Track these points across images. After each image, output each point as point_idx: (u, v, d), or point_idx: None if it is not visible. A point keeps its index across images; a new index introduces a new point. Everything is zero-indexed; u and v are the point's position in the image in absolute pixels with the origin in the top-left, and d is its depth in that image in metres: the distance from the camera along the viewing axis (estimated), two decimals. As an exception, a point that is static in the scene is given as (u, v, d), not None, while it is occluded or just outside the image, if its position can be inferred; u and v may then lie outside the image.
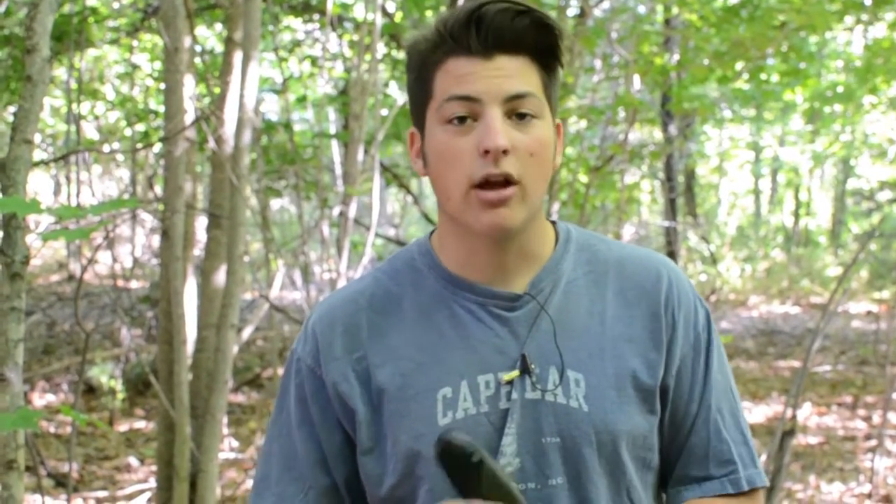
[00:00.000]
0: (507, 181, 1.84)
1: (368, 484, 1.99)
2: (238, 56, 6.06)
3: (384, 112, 8.62)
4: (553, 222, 2.08)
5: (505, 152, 1.82)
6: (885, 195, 23.53)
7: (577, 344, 1.94)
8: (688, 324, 2.01)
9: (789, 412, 5.22)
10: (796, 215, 27.71)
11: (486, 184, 1.84)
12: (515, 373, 1.91)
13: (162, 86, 11.65)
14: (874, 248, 20.64)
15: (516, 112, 1.85)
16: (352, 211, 7.84)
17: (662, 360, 1.97)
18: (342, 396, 1.97)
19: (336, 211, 8.14)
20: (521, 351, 1.92)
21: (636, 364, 1.95)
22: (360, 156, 7.71)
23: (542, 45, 1.86)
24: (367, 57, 8.02)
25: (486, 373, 1.92)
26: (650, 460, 1.98)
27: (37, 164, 3.00)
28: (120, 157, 13.52)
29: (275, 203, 15.20)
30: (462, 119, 1.85)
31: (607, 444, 1.91)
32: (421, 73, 1.91)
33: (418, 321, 1.98)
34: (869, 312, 17.52)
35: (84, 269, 4.36)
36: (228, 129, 6.29)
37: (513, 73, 1.84)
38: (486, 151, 1.82)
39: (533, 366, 1.91)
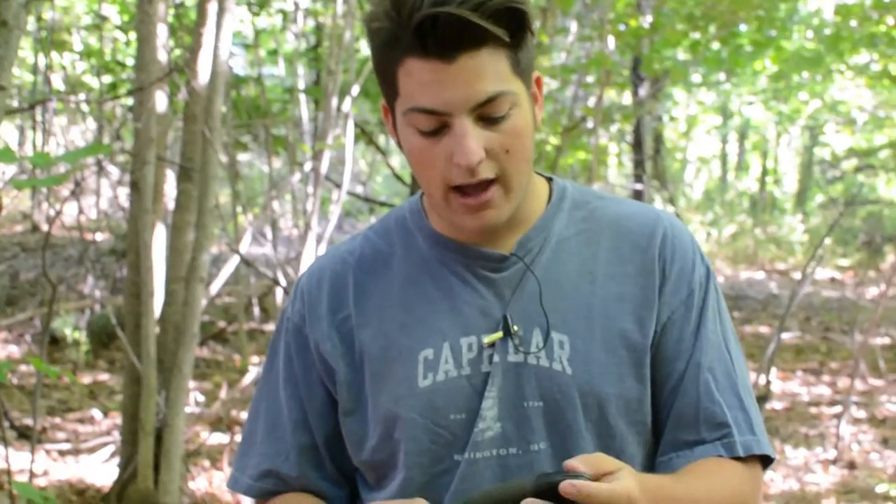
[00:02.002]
0: (486, 183, 1.80)
1: (351, 447, 1.96)
2: (213, 7, 5.99)
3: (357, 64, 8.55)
4: (550, 178, 2.03)
5: (480, 161, 1.77)
6: (850, 163, 23.61)
7: (565, 305, 1.90)
8: (681, 278, 1.94)
9: (763, 378, 5.22)
10: (763, 181, 27.78)
11: (465, 190, 1.80)
12: (497, 335, 1.87)
13: (132, 36, 11.58)
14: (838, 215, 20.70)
15: (487, 116, 1.76)
16: (323, 167, 7.79)
17: (654, 316, 1.91)
18: (324, 356, 1.95)
19: (307, 167, 8.08)
20: (505, 312, 1.89)
21: (627, 323, 1.90)
22: (334, 110, 7.65)
23: (506, 31, 1.74)
24: (341, 8, 7.95)
25: (468, 335, 1.89)
26: (643, 423, 1.92)
27: (9, 113, 2.93)
28: (86, 108, 13.36)
29: (242, 157, 15.11)
30: (431, 132, 1.78)
31: (593, 408, 1.87)
32: (382, 64, 1.80)
33: (405, 282, 1.95)
34: (833, 279, 17.59)
35: (52, 221, 4.31)
36: (202, 81, 6.22)
37: (479, 73, 1.74)
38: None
39: (516, 328, 1.87)
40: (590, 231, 1.97)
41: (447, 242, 1.94)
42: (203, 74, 6.22)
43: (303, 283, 2.02)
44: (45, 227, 13.42)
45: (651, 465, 1.96)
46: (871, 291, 14.13)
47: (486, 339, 1.87)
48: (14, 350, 10.35)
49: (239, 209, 10.01)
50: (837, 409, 9.23)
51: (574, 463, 1.61)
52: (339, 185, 8.24)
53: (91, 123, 14.24)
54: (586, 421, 1.87)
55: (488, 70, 1.74)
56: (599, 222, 1.98)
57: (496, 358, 1.87)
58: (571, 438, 1.86)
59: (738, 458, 1.91)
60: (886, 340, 12.26)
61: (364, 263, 1.99)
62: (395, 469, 1.89)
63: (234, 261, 7.81)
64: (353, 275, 1.98)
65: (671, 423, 1.93)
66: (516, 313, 1.88)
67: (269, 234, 10.45)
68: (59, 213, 5.17)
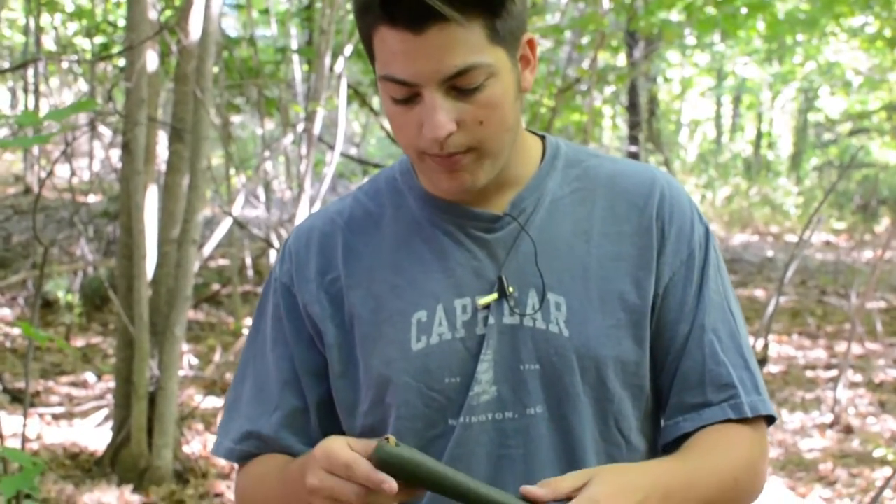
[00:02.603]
0: (458, 153, 1.75)
1: (342, 411, 1.92)
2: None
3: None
4: (542, 137, 1.98)
5: (449, 134, 1.72)
6: (845, 126, 23.57)
7: (561, 265, 1.85)
8: (680, 239, 1.89)
9: (760, 342, 5.19)
10: (757, 144, 27.75)
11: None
12: (492, 296, 1.83)
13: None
14: (833, 178, 20.70)
15: (459, 88, 1.71)
16: (316, 128, 7.73)
17: (652, 277, 1.86)
18: (313, 318, 1.90)
19: (299, 128, 8.02)
20: (499, 273, 1.84)
21: (624, 284, 1.85)
22: (327, 71, 7.58)
23: (475, 6, 1.67)
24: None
25: (462, 297, 1.84)
26: (642, 387, 1.88)
27: (-3, 70, 2.86)
28: (78, 69, 13.30)
29: (235, 120, 15.04)
30: (404, 100, 1.73)
31: (591, 371, 1.82)
32: (360, 28, 1.76)
33: (396, 243, 1.90)
34: (828, 243, 17.58)
35: (42, 182, 4.25)
36: (193, 40, 6.15)
37: (449, 46, 1.67)
38: None
39: (511, 289, 1.83)
40: (584, 190, 1.92)
41: (438, 202, 1.89)
42: (194, 34, 6.16)
43: (290, 244, 1.97)
44: (37, 189, 13.34)
45: (650, 429, 1.92)
46: (867, 255, 14.12)
47: (481, 301, 1.83)
48: (7, 313, 10.31)
49: (232, 171, 9.96)
50: (834, 372, 9.22)
51: (530, 489, 1.61)
52: (332, 147, 8.19)
53: (83, 85, 14.17)
54: (584, 384, 1.82)
55: (459, 42, 1.67)
56: (594, 181, 1.93)
57: (491, 320, 1.82)
58: (568, 402, 1.82)
59: (743, 420, 1.87)
60: (882, 304, 12.25)
61: (353, 224, 1.94)
62: (384, 430, 1.84)
63: (227, 223, 7.74)
64: (342, 235, 1.93)
65: (676, 386, 1.89)
66: (511, 274, 1.84)
67: (263, 196, 10.41)
68: (49, 174, 5.10)
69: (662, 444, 1.93)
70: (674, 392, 1.89)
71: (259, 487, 1.93)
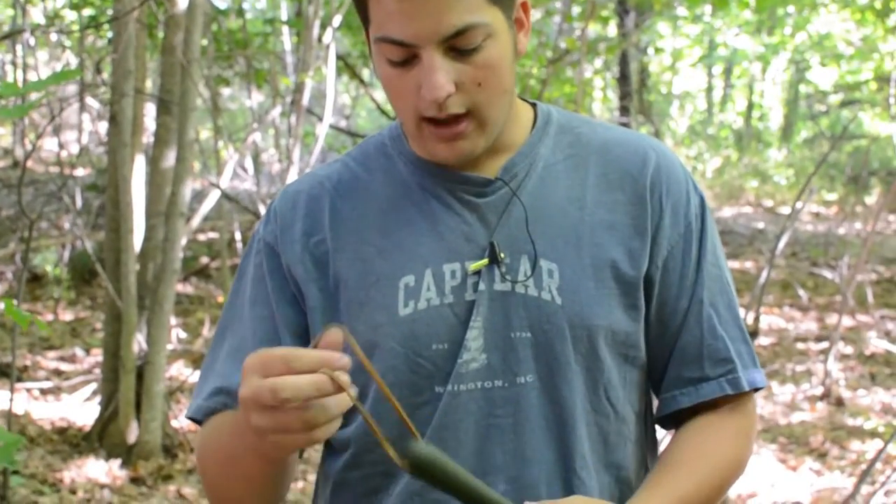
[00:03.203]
0: (458, 117, 1.72)
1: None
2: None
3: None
4: (534, 104, 1.95)
5: (448, 95, 1.68)
6: (836, 98, 23.54)
7: (553, 231, 1.82)
8: (677, 210, 1.86)
9: (751, 315, 5.16)
10: (748, 115, 27.72)
11: (436, 121, 1.72)
12: (483, 262, 1.79)
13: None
14: (824, 150, 20.68)
15: (457, 48, 1.68)
16: (305, 100, 7.68)
17: (646, 249, 1.83)
18: (296, 279, 1.85)
19: (288, 100, 7.97)
20: (491, 239, 1.80)
21: (617, 253, 1.82)
22: (315, 42, 7.53)
23: None
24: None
25: (452, 261, 1.80)
26: (634, 358, 1.85)
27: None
28: (66, 41, 13.21)
29: (225, 92, 14.96)
30: (401, 62, 1.70)
31: (583, 340, 1.79)
32: None
33: (384, 207, 1.86)
34: (818, 214, 17.56)
35: (28, 155, 4.21)
36: (180, 11, 6.10)
37: (448, 4, 1.64)
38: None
39: (503, 255, 1.79)
40: (577, 156, 1.88)
41: (428, 167, 1.85)
42: (181, 4, 6.11)
43: (276, 205, 1.93)
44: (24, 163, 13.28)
45: (638, 401, 1.89)
46: (857, 226, 14.11)
47: (472, 266, 1.79)
48: (-5, 287, 10.27)
49: (220, 144, 9.90)
50: (824, 345, 9.21)
51: None
52: (321, 119, 8.13)
53: (72, 59, 14.09)
54: (575, 353, 1.79)
55: (457, 1, 1.65)
56: (587, 147, 1.90)
57: (482, 286, 1.78)
58: (559, 371, 1.78)
59: (735, 396, 1.87)
60: (873, 276, 12.24)
61: (342, 188, 1.89)
62: (364, 400, 1.80)
63: (215, 195, 7.70)
64: (329, 198, 1.89)
65: (674, 360, 1.87)
66: (502, 240, 1.80)
67: (251, 169, 10.36)
68: (34, 146, 5.05)
69: (658, 417, 1.92)
70: (671, 366, 1.87)
71: (213, 435, 1.84)
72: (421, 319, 1.78)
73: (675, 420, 1.89)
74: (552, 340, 1.78)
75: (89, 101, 11.49)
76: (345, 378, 1.46)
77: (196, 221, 7.23)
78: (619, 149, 1.89)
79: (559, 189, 1.85)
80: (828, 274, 10.89)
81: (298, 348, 1.51)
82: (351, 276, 1.82)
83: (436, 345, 1.78)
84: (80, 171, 12.48)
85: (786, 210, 18.68)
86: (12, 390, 5.67)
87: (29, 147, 12.74)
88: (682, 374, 1.87)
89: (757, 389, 1.90)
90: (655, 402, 1.95)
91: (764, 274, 5.55)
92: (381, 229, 1.84)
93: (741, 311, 1.96)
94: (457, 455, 1.75)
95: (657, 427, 1.97)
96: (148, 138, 7.56)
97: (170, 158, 6.32)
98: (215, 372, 1.89)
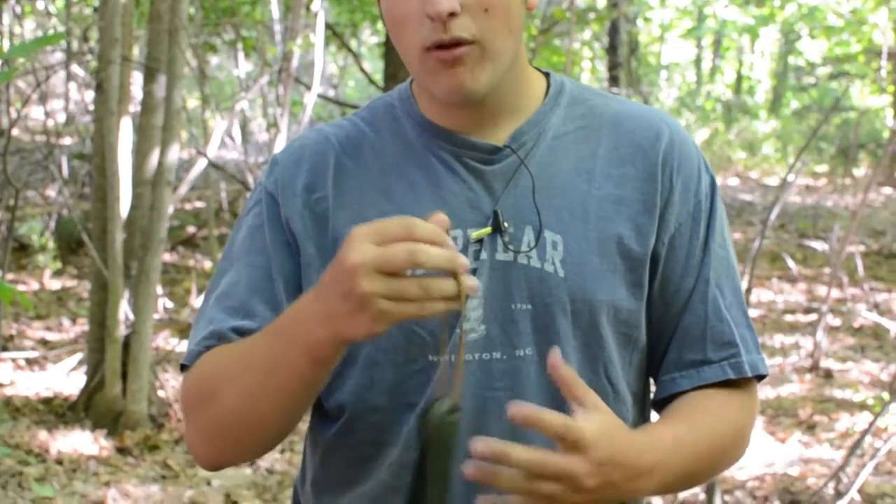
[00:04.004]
0: (459, 43, 1.66)
1: None
2: None
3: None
4: (547, 73, 1.90)
5: (453, 14, 1.64)
6: (825, 70, 23.52)
7: (559, 203, 1.77)
8: (687, 189, 1.82)
9: (743, 285, 5.12)
10: (737, 87, 27.71)
11: (440, 46, 1.67)
12: (486, 230, 1.74)
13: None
14: (812, 122, 20.67)
15: None
16: (293, 68, 7.63)
17: (654, 226, 1.79)
18: (294, 233, 1.81)
19: (276, 69, 7.91)
20: (495, 207, 1.76)
21: (624, 228, 1.78)
22: (303, 9, 7.48)
23: None
24: None
25: (454, 228, 1.73)
26: (636, 338, 1.81)
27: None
28: (53, 9, 13.15)
29: (213, 61, 14.89)
30: None
31: (584, 315, 1.75)
32: None
33: (389, 169, 1.82)
34: (807, 186, 17.56)
35: (13, 123, 4.16)
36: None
37: None
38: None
39: (506, 224, 1.74)
40: (588, 128, 1.84)
41: (436, 129, 1.81)
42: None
43: (280, 157, 1.88)
44: (12, 132, 13.22)
45: (637, 382, 1.86)
46: (846, 199, 14.11)
47: (474, 234, 1.75)
48: (-20, 256, 10.20)
49: (208, 113, 9.85)
50: (813, 317, 9.21)
51: (561, 369, 1.54)
52: (309, 88, 8.08)
53: (59, 26, 14.00)
54: (575, 329, 1.75)
55: None
56: (599, 120, 1.85)
57: (483, 255, 1.74)
58: (559, 346, 1.72)
59: (737, 382, 1.82)
60: (862, 248, 12.24)
61: (347, 146, 1.85)
62: (353, 366, 1.76)
63: (202, 164, 7.65)
64: (334, 155, 1.84)
65: (676, 341, 1.83)
66: (507, 209, 1.76)
67: (239, 138, 10.31)
68: (19, 114, 5.00)
69: (655, 400, 1.87)
70: (673, 347, 1.83)
71: (227, 365, 1.73)
72: None
73: (670, 404, 1.83)
74: (553, 314, 1.74)
75: (76, 69, 11.42)
76: (467, 260, 1.47)
77: (183, 190, 7.18)
78: (632, 122, 1.85)
79: (568, 160, 1.81)
80: (817, 246, 10.90)
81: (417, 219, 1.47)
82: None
83: None
84: (67, 140, 12.43)
85: (774, 182, 18.69)
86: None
87: (14, 116, 12.70)
88: (683, 355, 1.82)
89: (760, 378, 1.85)
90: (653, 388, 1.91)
91: (755, 245, 5.52)
92: (383, 191, 1.80)
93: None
94: None
95: (653, 412, 1.93)
96: (135, 106, 7.51)
97: (156, 126, 6.27)
98: (207, 318, 1.81)
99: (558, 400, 1.73)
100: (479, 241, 1.75)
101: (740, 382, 1.82)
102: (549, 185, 1.78)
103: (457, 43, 1.66)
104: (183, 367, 1.83)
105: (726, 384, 1.81)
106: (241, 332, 1.75)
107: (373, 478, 1.79)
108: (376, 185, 1.80)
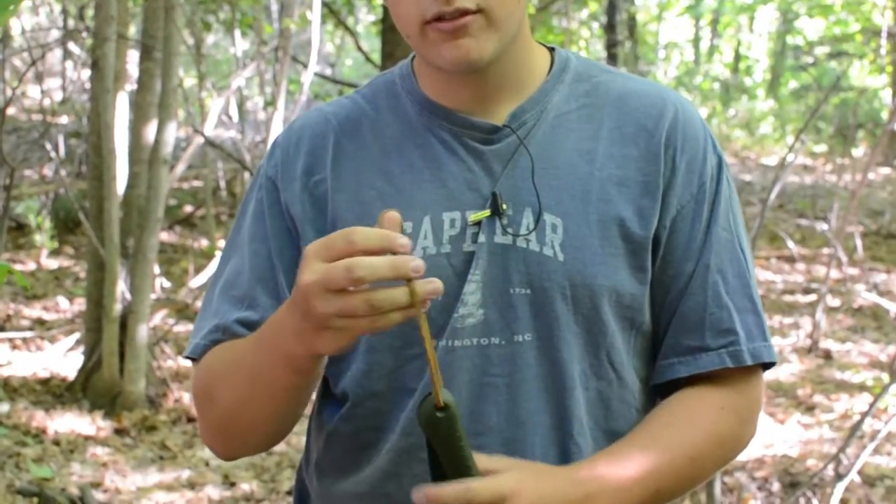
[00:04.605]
0: (463, 13, 1.62)
1: None
2: None
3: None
4: (552, 49, 1.86)
5: None
6: (823, 50, 23.47)
7: (560, 185, 1.73)
8: (692, 169, 1.77)
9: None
10: (735, 67, 27.65)
11: (441, 18, 1.62)
12: (485, 213, 1.70)
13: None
14: (810, 102, 20.62)
15: None
16: (290, 47, 7.59)
17: (656, 208, 1.74)
18: (293, 218, 1.78)
19: (273, 45, 7.88)
20: (494, 189, 1.72)
21: (626, 211, 1.73)
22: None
23: None
24: None
25: (452, 210, 1.72)
26: (640, 323, 1.77)
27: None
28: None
29: (210, 40, 14.85)
30: None
31: (584, 300, 1.71)
32: None
33: (388, 148, 1.78)
34: (806, 166, 17.52)
35: (8, 102, 4.12)
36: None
37: None
38: None
39: (505, 206, 1.71)
40: (592, 107, 1.80)
41: (436, 108, 1.77)
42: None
43: (280, 140, 1.86)
44: (8, 110, 13.21)
45: (643, 368, 1.81)
46: (845, 179, 14.08)
47: (472, 217, 1.71)
48: (-24, 235, 10.17)
49: (205, 92, 9.81)
50: (812, 297, 9.18)
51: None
52: (306, 66, 8.05)
53: (56, 7, 13.98)
54: (576, 314, 1.71)
55: None
56: (603, 98, 1.81)
57: (482, 238, 1.71)
58: (558, 331, 1.71)
59: (737, 371, 1.77)
60: (861, 228, 12.21)
61: (347, 126, 1.82)
62: (355, 352, 1.74)
63: (198, 142, 7.62)
64: (333, 136, 1.81)
65: (675, 325, 1.78)
66: (506, 190, 1.72)
67: (236, 117, 10.28)
68: (14, 92, 4.97)
69: (654, 385, 1.82)
70: (671, 332, 1.78)
71: (223, 365, 1.76)
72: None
73: (672, 389, 1.79)
74: (552, 298, 1.70)
75: (73, 47, 11.38)
76: (418, 262, 1.42)
77: (180, 169, 7.16)
78: (637, 101, 1.80)
79: (570, 140, 1.76)
80: (816, 226, 10.88)
81: (362, 227, 1.43)
82: (349, 218, 1.74)
83: None
84: (64, 119, 12.39)
85: (772, 161, 18.65)
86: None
87: (10, 94, 12.65)
88: (681, 341, 1.77)
89: (766, 366, 1.80)
90: None
91: (755, 226, 5.49)
92: (382, 171, 1.77)
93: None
94: None
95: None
96: (132, 85, 7.47)
97: (153, 105, 6.24)
98: (212, 310, 1.82)
99: (557, 386, 1.71)
100: (478, 223, 1.71)
101: (740, 371, 1.77)
102: (550, 166, 1.74)
103: (460, 13, 1.62)
104: (191, 359, 1.83)
105: (725, 374, 1.77)
106: (245, 324, 1.75)
107: (372, 464, 1.76)
108: (375, 166, 1.77)
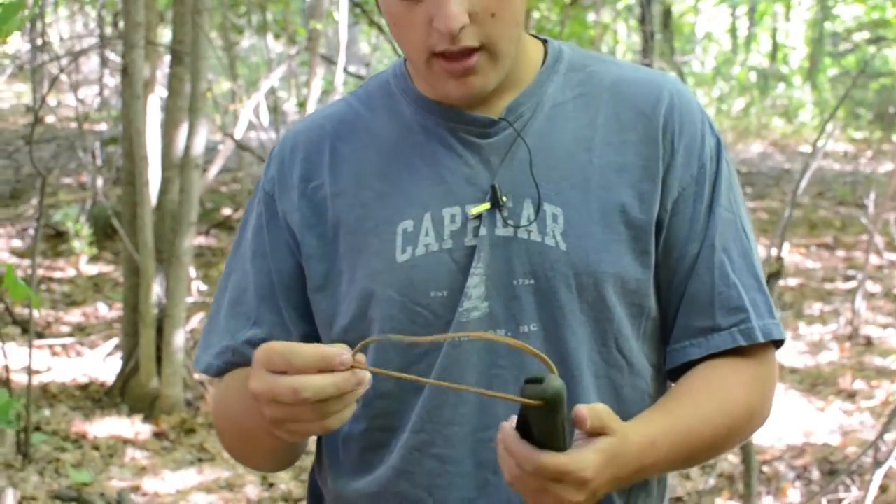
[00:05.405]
0: (470, 50, 1.64)
1: (321, 324, 1.82)
2: None
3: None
4: (545, 41, 1.86)
5: (463, 26, 1.61)
6: (862, 36, 23.31)
7: (559, 174, 1.74)
8: (691, 151, 1.77)
9: (775, 252, 5.07)
10: (773, 55, 27.50)
11: (448, 54, 1.64)
12: (484, 206, 1.71)
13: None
14: (849, 86, 20.46)
15: None
16: (320, 47, 7.61)
17: (657, 192, 1.74)
18: (292, 227, 1.80)
19: (296, 48, 7.90)
20: (493, 181, 1.73)
21: (626, 196, 1.74)
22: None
23: None
24: None
25: (452, 205, 1.73)
26: (646, 308, 1.77)
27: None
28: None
29: (244, 44, 14.91)
30: None
31: (589, 288, 1.71)
32: None
33: (385, 149, 1.79)
34: (846, 153, 17.40)
35: (39, 107, 4.15)
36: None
37: None
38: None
39: (505, 198, 1.71)
40: (587, 96, 1.80)
41: (431, 106, 1.78)
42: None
43: (276, 150, 1.87)
44: (47, 119, 13.30)
45: (653, 353, 1.82)
46: (886, 165, 13.98)
47: (472, 210, 1.72)
48: (18, 244, 10.26)
49: (238, 95, 9.84)
50: (852, 284, 9.12)
51: (583, 414, 1.51)
52: (342, 68, 8.07)
53: (92, 13, 14.05)
54: (581, 302, 1.72)
55: None
56: (598, 86, 1.81)
57: (483, 231, 1.71)
58: (564, 320, 1.72)
59: (750, 349, 1.77)
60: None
61: (342, 129, 1.83)
62: (366, 351, 1.74)
63: (231, 146, 7.65)
64: (329, 141, 1.82)
65: (684, 308, 1.78)
66: (505, 183, 1.73)
67: (267, 119, 10.30)
68: (45, 99, 5.00)
69: (667, 370, 1.83)
70: (681, 315, 1.79)
71: (225, 401, 1.85)
72: (419, 266, 1.72)
73: (685, 373, 1.79)
74: (556, 288, 1.71)
75: (110, 55, 11.45)
76: (362, 375, 1.47)
77: (213, 172, 7.19)
78: (632, 87, 1.81)
79: (567, 130, 1.77)
80: (855, 213, 10.80)
81: (299, 345, 1.48)
82: (350, 221, 1.77)
83: (434, 292, 1.72)
84: (103, 126, 12.46)
85: (809, 149, 18.54)
86: (31, 346, 5.66)
87: (49, 103, 12.75)
88: (691, 323, 1.78)
89: (777, 343, 1.81)
90: None
91: (786, 212, 5.45)
92: (381, 172, 1.78)
93: (764, 253, 1.87)
94: (459, 409, 1.72)
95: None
96: (165, 91, 7.52)
97: (183, 110, 6.27)
98: (220, 327, 1.86)
99: (566, 376, 1.70)
100: (478, 217, 1.72)
101: (754, 349, 1.77)
102: (548, 157, 1.74)
103: (465, 51, 1.64)
104: (206, 373, 1.90)
105: (739, 351, 1.77)
106: (254, 343, 1.77)
107: (385, 463, 1.78)
108: (373, 168, 1.78)
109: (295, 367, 1.44)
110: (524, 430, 1.48)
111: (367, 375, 1.47)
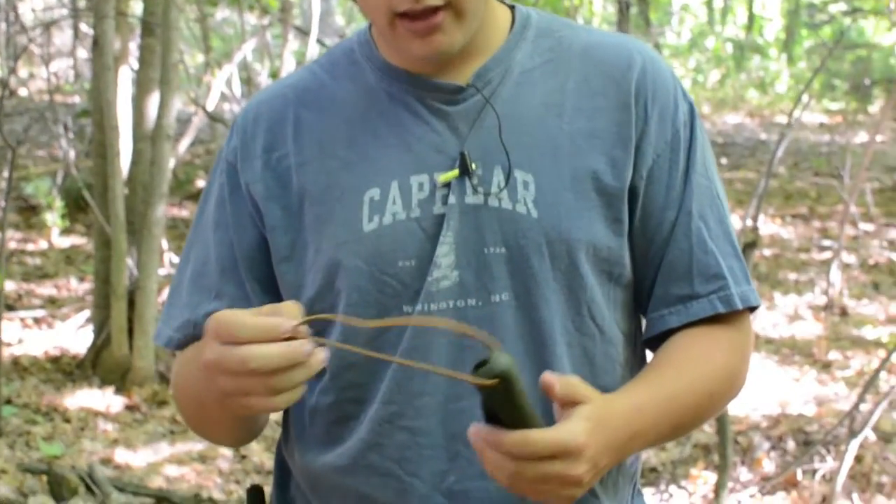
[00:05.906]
0: (434, 9, 1.60)
1: (287, 295, 1.76)
2: None
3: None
4: (512, 7, 1.82)
5: None
6: (838, 7, 23.32)
7: (529, 140, 1.70)
8: (664, 118, 1.74)
9: (750, 223, 5.06)
10: (749, 27, 27.51)
11: (411, 13, 1.60)
12: (453, 173, 1.68)
13: None
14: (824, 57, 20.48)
15: None
16: (294, 18, 7.56)
17: (630, 158, 1.71)
18: (255, 198, 1.75)
19: (269, 19, 7.84)
20: (461, 149, 1.69)
21: (598, 163, 1.70)
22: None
23: None
24: None
25: (420, 173, 1.69)
26: (619, 275, 1.74)
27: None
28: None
29: (218, 16, 14.82)
30: None
31: (562, 255, 1.68)
32: None
33: (350, 117, 1.75)
34: (822, 124, 17.42)
35: (8, 78, 4.09)
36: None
37: None
38: None
39: (474, 166, 1.68)
40: (557, 61, 1.76)
41: (397, 73, 1.74)
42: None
43: (238, 121, 1.83)
44: (20, 92, 13.22)
45: (626, 321, 1.79)
46: (861, 136, 14.00)
47: (441, 178, 1.68)
48: (-12, 217, 10.18)
49: (211, 66, 9.78)
50: (827, 254, 9.13)
51: (551, 380, 1.48)
52: (317, 40, 8.01)
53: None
54: (554, 270, 1.68)
55: None
56: (567, 52, 1.77)
57: (452, 199, 1.68)
58: (537, 289, 1.68)
59: (727, 315, 1.75)
60: (876, 184, 12.13)
61: (306, 97, 1.79)
62: (331, 323, 1.71)
63: (203, 118, 7.60)
64: (293, 110, 1.78)
65: (661, 276, 1.76)
66: (474, 150, 1.69)
67: (239, 91, 10.24)
68: (15, 70, 4.94)
69: (646, 338, 1.81)
70: (659, 283, 1.76)
71: (184, 374, 1.80)
72: (386, 235, 1.68)
73: (663, 341, 1.77)
74: (528, 256, 1.68)
75: (83, 27, 11.38)
76: (309, 347, 1.42)
77: (185, 144, 7.14)
78: (603, 52, 1.77)
79: (536, 96, 1.73)
80: (831, 183, 10.81)
81: (245, 316, 1.44)
82: (315, 190, 1.73)
83: (402, 262, 1.68)
84: (76, 99, 12.39)
85: (785, 120, 18.57)
86: (0, 318, 5.61)
87: (22, 75, 12.67)
88: (670, 291, 1.75)
89: (752, 309, 1.79)
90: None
91: (762, 183, 5.44)
92: (346, 140, 1.74)
93: (739, 223, 1.85)
94: (429, 380, 1.68)
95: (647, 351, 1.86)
96: (135, 62, 7.47)
97: (154, 81, 6.23)
98: (182, 300, 1.83)
99: (538, 344, 1.68)
100: (447, 184, 1.68)
101: (731, 315, 1.75)
102: (518, 123, 1.71)
103: (429, 10, 1.60)
104: (166, 347, 1.86)
105: (716, 318, 1.74)
106: None
107: (354, 435, 1.74)
108: (338, 136, 1.74)
109: (239, 339, 1.41)
110: (495, 423, 1.45)
111: (321, 350, 1.42)
